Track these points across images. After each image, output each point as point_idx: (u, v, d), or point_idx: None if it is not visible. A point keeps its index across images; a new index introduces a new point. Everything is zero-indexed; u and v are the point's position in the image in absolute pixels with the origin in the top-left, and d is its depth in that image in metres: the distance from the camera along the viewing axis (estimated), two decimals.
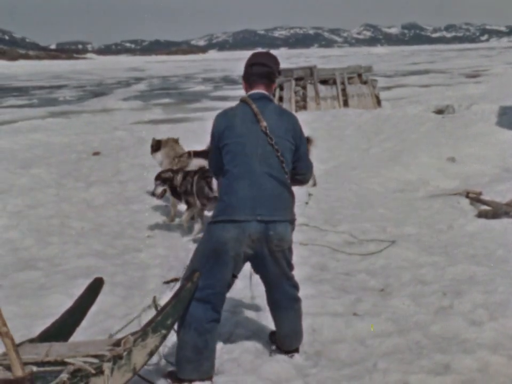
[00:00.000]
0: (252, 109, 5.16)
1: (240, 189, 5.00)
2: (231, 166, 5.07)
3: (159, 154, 11.31)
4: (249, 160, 5.06)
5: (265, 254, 5.08)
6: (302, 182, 5.51)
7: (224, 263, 5.01)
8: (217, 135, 5.21)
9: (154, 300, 5.78)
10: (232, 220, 4.95)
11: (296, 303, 5.45)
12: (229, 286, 5.19)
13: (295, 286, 5.43)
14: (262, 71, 5.31)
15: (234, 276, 5.21)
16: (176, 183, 9.76)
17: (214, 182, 9.19)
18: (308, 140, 12.55)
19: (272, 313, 5.51)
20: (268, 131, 5.09)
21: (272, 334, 5.79)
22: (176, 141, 11.48)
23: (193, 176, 9.69)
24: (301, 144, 5.29)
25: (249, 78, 5.35)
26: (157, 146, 11.37)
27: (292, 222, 5.18)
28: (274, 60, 5.44)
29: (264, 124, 5.09)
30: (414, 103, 27.58)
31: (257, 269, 5.29)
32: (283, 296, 5.36)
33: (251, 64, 5.36)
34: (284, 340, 5.57)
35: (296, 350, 5.62)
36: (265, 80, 5.34)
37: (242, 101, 5.27)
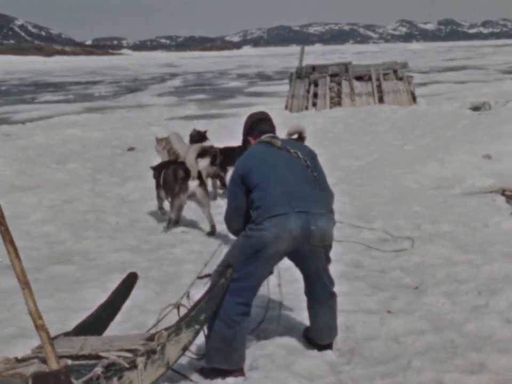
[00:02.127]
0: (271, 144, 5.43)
1: (272, 190, 5.06)
2: (263, 181, 5.12)
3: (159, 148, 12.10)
4: (276, 171, 5.17)
5: (306, 251, 5.12)
6: None
7: (261, 261, 5.02)
8: (242, 179, 5.28)
9: (188, 295, 5.79)
10: (270, 217, 4.93)
11: (332, 297, 5.49)
12: (262, 281, 5.21)
13: (331, 280, 5.46)
14: (270, 124, 5.69)
15: (270, 272, 5.22)
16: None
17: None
18: (300, 137, 11.94)
19: (309, 306, 5.54)
20: (288, 148, 5.38)
21: (306, 330, 5.79)
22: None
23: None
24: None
25: (256, 130, 5.63)
26: (197, 136, 11.83)
27: (333, 213, 5.20)
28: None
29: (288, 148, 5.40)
30: (450, 99, 27.35)
31: (296, 263, 5.33)
32: (322, 290, 5.40)
33: (257, 120, 5.72)
34: (317, 334, 5.57)
35: (330, 346, 5.61)
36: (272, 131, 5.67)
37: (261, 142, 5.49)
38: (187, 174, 9.54)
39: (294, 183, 5.13)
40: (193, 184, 9.55)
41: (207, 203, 9.75)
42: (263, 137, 5.52)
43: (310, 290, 5.46)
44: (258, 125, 5.65)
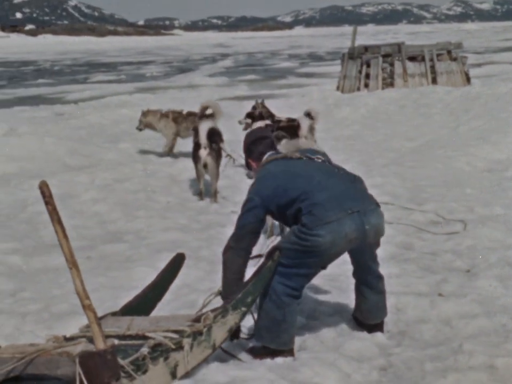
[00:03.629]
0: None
1: (319, 197, 4.93)
2: (305, 191, 4.98)
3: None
4: (313, 179, 5.06)
5: (362, 248, 5.14)
6: None
7: (314, 259, 4.97)
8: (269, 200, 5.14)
9: None
10: (324, 224, 4.84)
11: (381, 280, 5.49)
12: (315, 274, 5.18)
13: (378, 263, 5.45)
14: (267, 143, 5.58)
15: (323, 268, 5.18)
16: None
17: None
18: (309, 116, 12.51)
19: (358, 288, 5.53)
20: (309, 155, 5.32)
21: (355, 310, 5.75)
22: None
23: None
24: None
25: (255, 152, 5.53)
26: (251, 117, 12.67)
27: (380, 206, 5.17)
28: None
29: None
30: (505, 80, 26.81)
31: (350, 255, 5.33)
32: (371, 276, 5.41)
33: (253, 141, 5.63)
34: (366, 314, 5.55)
35: (380, 328, 5.58)
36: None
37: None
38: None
39: (337, 186, 5.05)
40: (204, 153, 10.35)
41: (213, 174, 10.56)
42: (269, 155, 5.42)
43: (359, 276, 5.47)
44: (255, 146, 5.55)
